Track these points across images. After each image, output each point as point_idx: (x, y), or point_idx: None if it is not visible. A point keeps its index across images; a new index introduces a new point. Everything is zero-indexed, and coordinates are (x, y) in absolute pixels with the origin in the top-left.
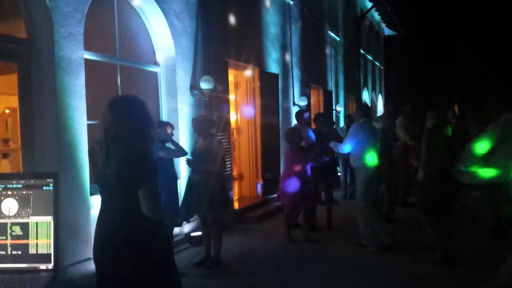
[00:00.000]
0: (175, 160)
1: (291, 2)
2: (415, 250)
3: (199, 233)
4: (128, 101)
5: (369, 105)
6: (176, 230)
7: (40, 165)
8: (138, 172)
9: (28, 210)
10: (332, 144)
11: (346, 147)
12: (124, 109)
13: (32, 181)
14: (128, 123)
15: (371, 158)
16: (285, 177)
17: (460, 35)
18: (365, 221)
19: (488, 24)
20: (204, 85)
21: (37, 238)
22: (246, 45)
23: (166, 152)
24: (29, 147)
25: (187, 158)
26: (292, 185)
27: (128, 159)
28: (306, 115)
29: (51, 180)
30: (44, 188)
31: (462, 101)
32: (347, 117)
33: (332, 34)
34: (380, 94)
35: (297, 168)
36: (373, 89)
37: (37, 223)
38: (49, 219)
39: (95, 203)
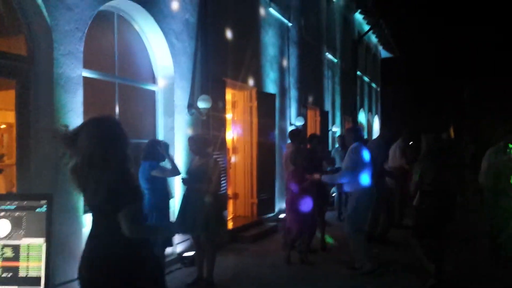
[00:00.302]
0: (169, 178)
1: (290, 24)
2: (410, 274)
3: (192, 253)
4: (100, 122)
5: (362, 127)
6: (169, 250)
7: (35, 181)
8: (115, 195)
9: (20, 231)
10: (327, 178)
11: (344, 178)
12: (97, 130)
13: (25, 202)
14: (101, 144)
15: (364, 182)
16: (293, 199)
17: (456, 57)
18: (356, 244)
19: (485, 46)
20: (202, 104)
21: (28, 261)
22: (245, 65)
23: (159, 171)
24: (24, 163)
25: (182, 177)
26: (304, 207)
27: (103, 183)
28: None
29: (45, 201)
30: (37, 209)
31: (458, 123)
32: (340, 137)
33: (330, 56)
34: (376, 115)
35: (303, 189)
36: (370, 110)
37: (29, 245)
38: (41, 241)
39: (88, 221)
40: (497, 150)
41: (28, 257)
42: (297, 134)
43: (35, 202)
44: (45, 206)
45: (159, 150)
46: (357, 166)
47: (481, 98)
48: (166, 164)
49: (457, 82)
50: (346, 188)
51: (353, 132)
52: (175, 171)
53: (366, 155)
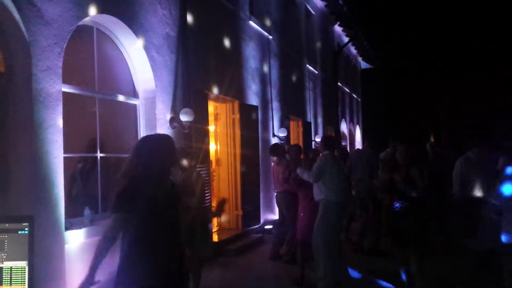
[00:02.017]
0: None
1: (270, 37)
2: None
3: None
4: (155, 139)
5: (344, 136)
6: None
7: (15, 200)
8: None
9: (3, 255)
10: (299, 171)
11: (307, 174)
12: (152, 147)
13: (7, 225)
14: (155, 161)
15: (333, 192)
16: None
17: (434, 66)
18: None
19: (460, 55)
20: (184, 117)
21: (11, 284)
22: (226, 78)
23: None
24: (3, 181)
25: None
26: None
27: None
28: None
29: (26, 224)
30: (19, 232)
31: (437, 131)
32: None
33: (311, 68)
34: (358, 126)
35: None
36: (351, 120)
37: (11, 268)
38: (24, 264)
39: (71, 238)
40: (466, 159)
41: (11, 280)
42: (278, 148)
43: (17, 224)
44: (26, 228)
45: None
46: (321, 174)
47: (458, 107)
48: None
49: (435, 91)
50: (315, 197)
51: (324, 141)
52: None
53: (333, 165)
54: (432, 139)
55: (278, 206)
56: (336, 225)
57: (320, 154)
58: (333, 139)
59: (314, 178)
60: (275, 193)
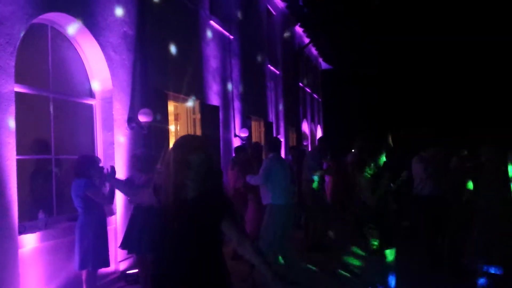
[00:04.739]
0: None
1: (231, 37)
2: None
3: (135, 270)
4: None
5: (305, 136)
6: (112, 268)
7: None
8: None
9: None
10: (248, 178)
11: (254, 179)
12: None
13: None
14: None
15: (278, 195)
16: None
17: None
18: None
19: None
20: (143, 117)
21: None
22: (186, 77)
23: (93, 193)
24: None
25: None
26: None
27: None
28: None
29: None
30: None
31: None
32: (292, 148)
33: (272, 68)
34: (319, 125)
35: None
36: (312, 120)
37: None
38: None
39: (25, 242)
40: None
41: None
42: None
43: None
44: None
45: (94, 168)
46: (267, 176)
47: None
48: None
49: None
50: (262, 200)
51: (269, 143)
52: (110, 199)
53: (279, 167)
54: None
55: None
56: (284, 226)
57: (267, 157)
58: (277, 140)
59: (262, 180)
60: None
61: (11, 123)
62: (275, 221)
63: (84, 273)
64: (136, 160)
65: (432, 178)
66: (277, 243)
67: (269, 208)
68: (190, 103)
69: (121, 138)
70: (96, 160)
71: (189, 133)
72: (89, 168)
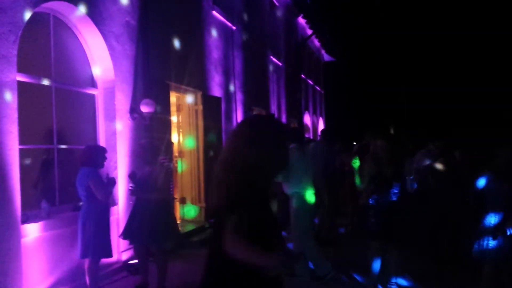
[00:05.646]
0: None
1: (234, 28)
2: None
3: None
4: (261, 123)
5: (307, 128)
6: (114, 258)
7: None
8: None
9: None
10: None
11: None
12: (256, 133)
13: None
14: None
15: (302, 185)
16: None
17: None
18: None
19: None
20: (145, 108)
21: None
22: (189, 68)
23: (94, 184)
24: None
25: (130, 186)
26: None
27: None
28: None
29: None
30: None
31: (397, 125)
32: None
33: (274, 59)
34: (320, 117)
35: None
36: (314, 112)
37: None
38: None
39: (27, 231)
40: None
41: None
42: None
43: None
44: None
45: (100, 156)
46: (292, 167)
47: (417, 102)
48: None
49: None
50: (285, 191)
51: (291, 134)
52: (105, 197)
53: (302, 156)
54: (391, 132)
55: None
56: (311, 212)
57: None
58: (298, 130)
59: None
60: None
61: (14, 112)
62: (305, 207)
63: (86, 262)
64: (142, 150)
65: (438, 174)
66: (311, 229)
67: (297, 196)
68: (190, 99)
69: (123, 128)
70: (103, 150)
71: (192, 124)
72: (97, 158)
